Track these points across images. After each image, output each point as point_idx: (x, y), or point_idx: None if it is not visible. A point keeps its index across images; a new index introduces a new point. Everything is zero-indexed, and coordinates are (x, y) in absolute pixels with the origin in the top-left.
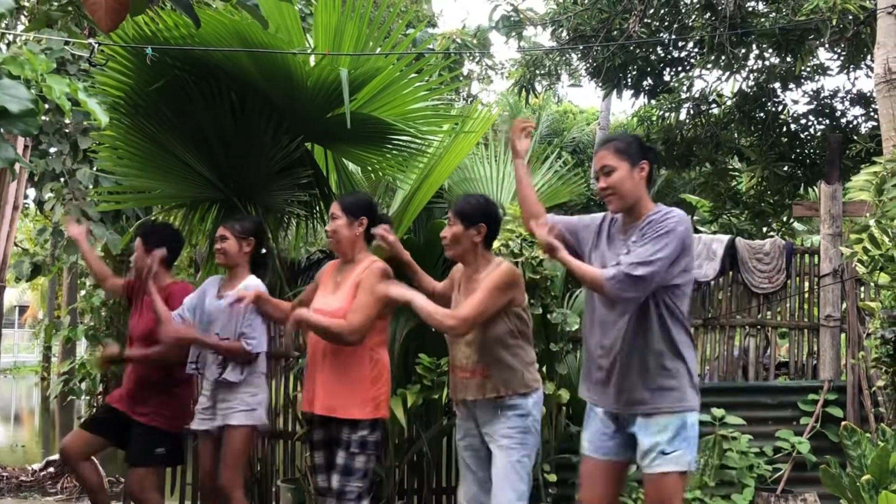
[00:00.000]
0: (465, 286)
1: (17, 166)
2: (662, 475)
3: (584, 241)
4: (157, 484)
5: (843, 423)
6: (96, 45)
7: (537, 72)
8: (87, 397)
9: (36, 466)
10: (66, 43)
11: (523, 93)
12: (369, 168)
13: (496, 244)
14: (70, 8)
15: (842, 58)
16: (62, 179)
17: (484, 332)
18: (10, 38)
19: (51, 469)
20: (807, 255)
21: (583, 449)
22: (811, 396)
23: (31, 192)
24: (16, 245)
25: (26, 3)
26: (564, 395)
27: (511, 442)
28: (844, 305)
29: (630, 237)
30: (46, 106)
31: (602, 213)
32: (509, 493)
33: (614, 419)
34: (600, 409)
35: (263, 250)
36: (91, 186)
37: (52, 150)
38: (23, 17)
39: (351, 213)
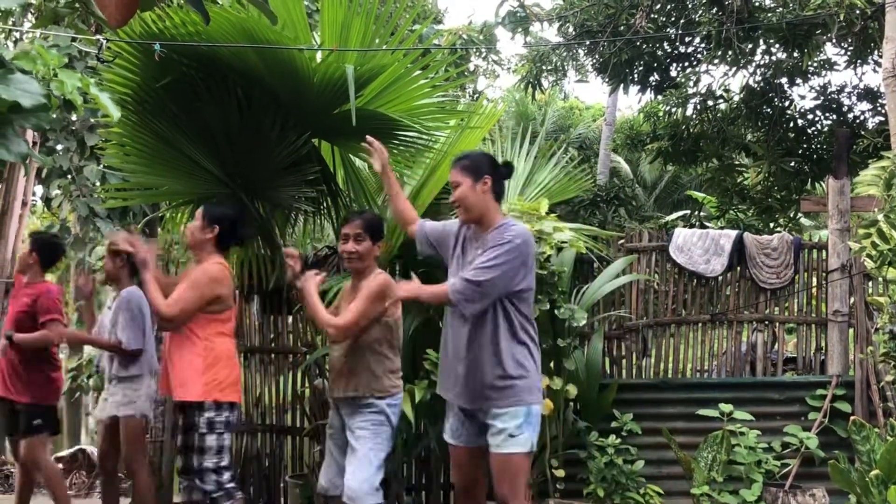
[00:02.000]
0: (348, 295)
1: (29, 161)
2: (510, 454)
3: (446, 246)
4: (44, 450)
5: (851, 418)
6: (104, 42)
7: (543, 67)
8: (95, 393)
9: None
10: (73, 40)
11: (529, 89)
12: None
13: None
14: (77, 5)
15: (849, 53)
16: (69, 176)
17: (355, 338)
18: (17, 35)
19: (59, 465)
20: (815, 251)
21: (446, 438)
22: (819, 392)
23: (39, 189)
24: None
25: (33, 1)
26: (572, 390)
27: (366, 433)
28: (852, 300)
29: (478, 247)
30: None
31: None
32: (358, 476)
33: (470, 413)
34: (457, 405)
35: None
36: (98, 183)
37: (60, 146)
38: (29, 15)
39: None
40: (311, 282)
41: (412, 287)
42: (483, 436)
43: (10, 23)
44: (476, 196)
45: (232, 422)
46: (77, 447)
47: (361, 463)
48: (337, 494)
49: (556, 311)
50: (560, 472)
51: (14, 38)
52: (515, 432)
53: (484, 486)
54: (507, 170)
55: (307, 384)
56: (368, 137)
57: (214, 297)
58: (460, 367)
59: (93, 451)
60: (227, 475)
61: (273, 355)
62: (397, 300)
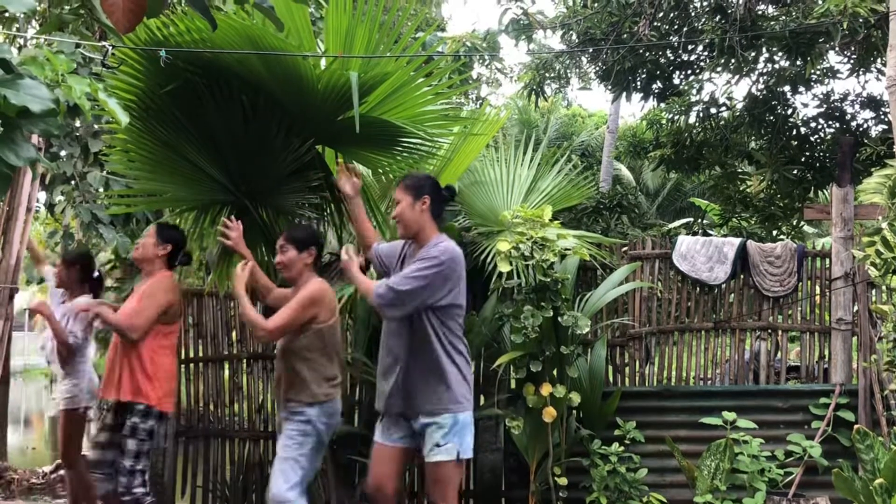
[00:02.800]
0: (286, 302)
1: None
2: (439, 463)
3: (392, 262)
4: None
5: (855, 426)
6: (110, 49)
7: (546, 75)
8: (97, 401)
9: (46, 469)
10: (78, 46)
11: (532, 96)
12: (380, 171)
13: (507, 246)
14: (82, 11)
15: (852, 61)
16: (73, 182)
17: (286, 344)
18: (22, 41)
19: (61, 472)
20: (818, 259)
21: (374, 437)
22: (823, 400)
23: (42, 196)
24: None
25: (38, 7)
26: (575, 398)
27: (291, 442)
28: (856, 309)
29: (413, 262)
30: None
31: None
32: (280, 482)
33: (401, 417)
34: (391, 410)
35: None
36: (102, 189)
37: (63, 153)
38: (34, 21)
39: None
40: (241, 282)
41: (355, 268)
42: (409, 439)
43: (15, 29)
44: (414, 214)
45: (156, 431)
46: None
47: (284, 471)
48: None
49: (559, 319)
50: (563, 480)
51: (18, 45)
52: (442, 442)
53: (395, 485)
54: (449, 192)
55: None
56: (351, 165)
57: (168, 305)
58: (392, 377)
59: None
60: (138, 479)
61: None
62: (333, 307)
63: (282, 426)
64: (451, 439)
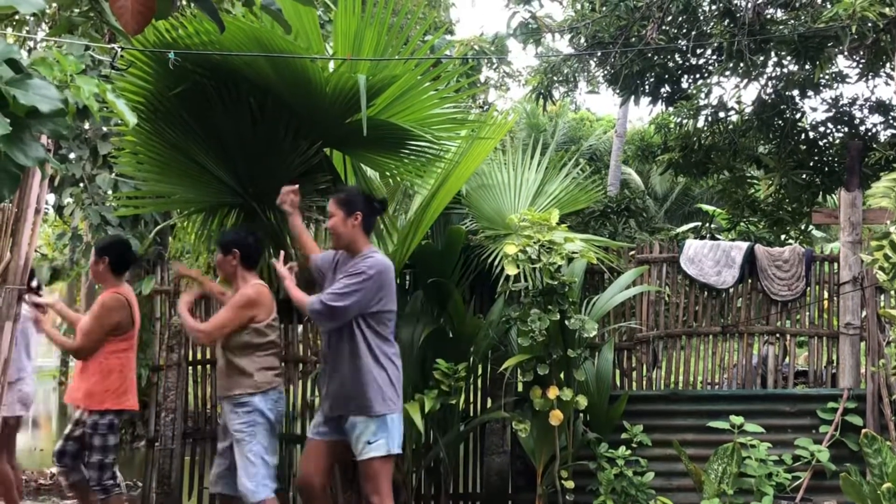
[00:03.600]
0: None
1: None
2: (370, 460)
3: (327, 271)
4: None
5: (863, 431)
6: (119, 51)
7: (554, 79)
8: None
9: (54, 470)
10: (87, 48)
11: (540, 100)
12: (387, 173)
13: (514, 249)
14: (91, 14)
15: (861, 65)
16: (81, 184)
17: (227, 341)
18: (32, 44)
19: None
20: (826, 263)
21: (308, 433)
22: (830, 405)
23: (51, 198)
24: (35, 250)
25: (48, 10)
26: (582, 401)
27: (242, 436)
28: (864, 313)
29: (344, 272)
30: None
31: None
32: (245, 481)
33: (335, 416)
34: (326, 413)
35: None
36: (110, 191)
37: (72, 155)
38: (43, 24)
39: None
40: (184, 298)
41: (289, 281)
42: (337, 434)
43: (25, 31)
44: (346, 228)
45: (115, 425)
46: None
47: (246, 468)
48: (218, 490)
49: (566, 322)
50: (570, 484)
51: (28, 47)
52: (372, 439)
53: (323, 478)
54: (381, 206)
55: (317, 393)
56: (289, 186)
57: (115, 324)
58: (329, 378)
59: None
60: (108, 472)
61: (283, 364)
62: (272, 308)
63: (226, 421)
64: (381, 437)
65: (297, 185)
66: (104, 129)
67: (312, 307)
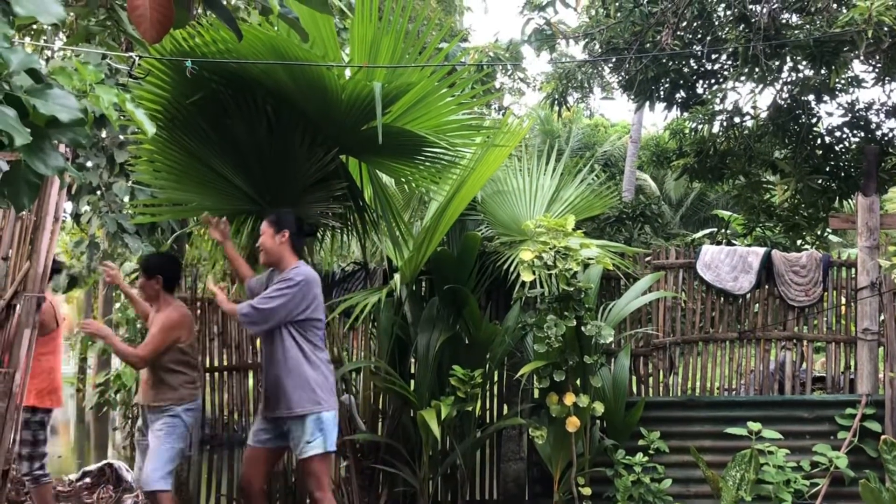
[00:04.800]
0: (152, 321)
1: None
2: (309, 458)
3: (261, 292)
4: None
5: (882, 437)
6: (137, 59)
7: (569, 85)
8: (122, 408)
9: (73, 477)
10: (104, 57)
11: (555, 106)
12: (403, 180)
13: (530, 255)
14: (108, 23)
15: (877, 70)
16: (98, 192)
17: (155, 360)
18: (50, 53)
19: (87, 479)
20: (843, 268)
21: (248, 441)
22: (849, 411)
23: (68, 206)
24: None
25: (67, 19)
26: (599, 407)
27: (161, 433)
28: (882, 318)
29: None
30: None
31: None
32: (149, 468)
33: (272, 421)
34: (264, 414)
35: None
36: (127, 199)
37: (89, 163)
38: (61, 33)
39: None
40: (104, 328)
41: (220, 295)
42: (276, 440)
43: (43, 40)
44: (274, 245)
45: (45, 422)
46: (104, 461)
47: (154, 455)
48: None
49: (582, 328)
50: (587, 491)
51: (46, 56)
52: (310, 438)
53: (261, 482)
54: (309, 229)
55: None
56: (215, 218)
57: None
58: (266, 383)
59: (120, 465)
60: (37, 463)
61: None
62: (191, 327)
63: (149, 423)
64: (318, 436)
65: (223, 217)
66: (121, 137)
67: (242, 311)
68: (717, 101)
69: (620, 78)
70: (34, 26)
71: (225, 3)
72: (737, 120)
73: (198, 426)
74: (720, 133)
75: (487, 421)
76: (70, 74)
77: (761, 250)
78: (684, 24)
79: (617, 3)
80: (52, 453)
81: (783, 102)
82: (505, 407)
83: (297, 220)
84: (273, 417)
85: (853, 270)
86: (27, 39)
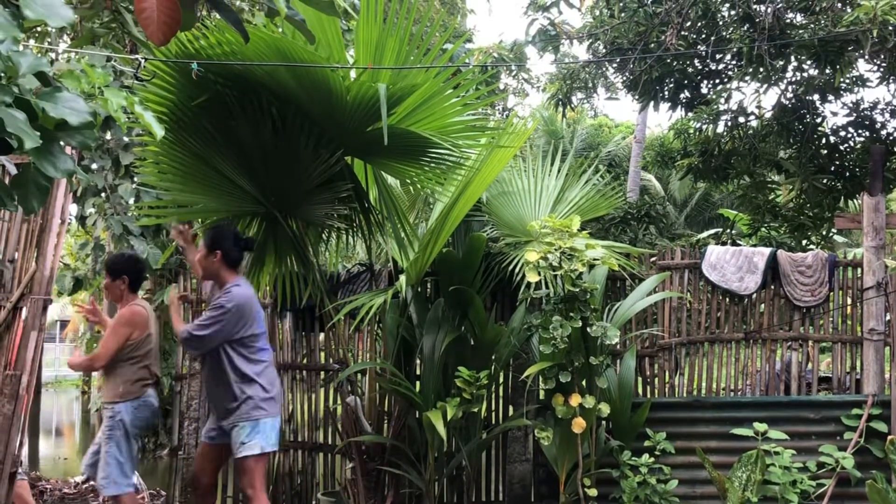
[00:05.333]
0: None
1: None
2: (245, 458)
3: (216, 291)
4: None
5: (888, 437)
6: (143, 61)
7: (573, 85)
8: None
9: (78, 479)
10: (109, 59)
11: (559, 106)
12: (408, 181)
13: (535, 256)
14: (114, 25)
15: (882, 69)
16: (104, 194)
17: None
18: (54, 55)
19: (92, 482)
20: (849, 268)
21: (201, 437)
22: (855, 411)
23: (74, 208)
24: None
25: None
26: (605, 408)
27: (104, 437)
28: (888, 318)
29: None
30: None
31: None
32: (99, 475)
33: (219, 424)
34: (213, 419)
35: None
36: (132, 201)
37: (95, 165)
38: (66, 35)
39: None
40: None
41: (173, 309)
42: (221, 438)
43: (47, 42)
44: (208, 263)
45: None
46: None
47: (103, 463)
48: (88, 474)
49: (588, 329)
50: (593, 492)
51: (51, 58)
52: (246, 440)
53: (211, 476)
54: (245, 244)
55: (339, 401)
56: (180, 226)
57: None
58: (208, 396)
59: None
60: None
61: (305, 372)
62: (146, 326)
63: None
64: (254, 438)
65: (187, 224)
66: (126, 139)
67: (182, 336)
68: (722, 100)
69: (625, 78)
70: (39, 28)
71: (230, 4)
72: (741, 120)
73: (141, 423)
74: (725, 133)
75: (493, 422)
76: (78, 77)
77: (767, 250)
78: (688, 23)
79: (621, 4)
80: (58, 456)
81: (788, 102)
82: (510, 408)
83: (235, 235)
84: (219, 420)
85: (859, 270)
86: (31, 41)
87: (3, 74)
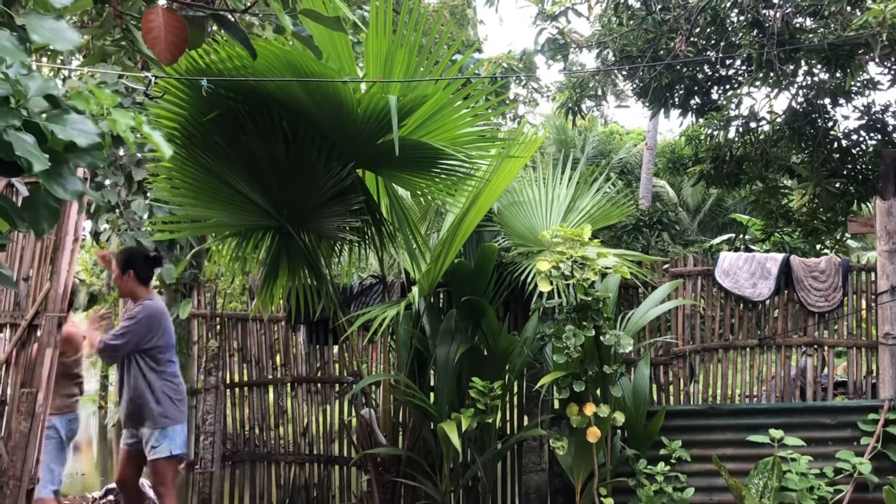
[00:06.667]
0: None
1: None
2: (156, 460)
3: None
4: None
5: None
6: (153, 79)
7: (583, 93)
8: None
9: (96, 494)
10: (120, 77)
11: (569, 115)
12: (419, 193)
13: (547, 265)
14: (124, 42)
15: (893, 72)
16: (117, 210)
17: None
18: (65, 73)
19: (110, 497)
20: (863, 273)
21: (121, 444)
22: (871, 416)
23: (87, 224)
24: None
25: (82, 40)
26: (619, 417)
27: (45, 448)
28: None
29: None
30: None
31: None
32: (41, 483)
33: (133, 430)
34: (126, 424)
35: None
36: (145, 217)
37: (108, 182)
38: (77, 54)
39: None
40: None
41: (94, 324)
42: (138, 444)
43: (59, 61)
44: (122, 282)
45: None
46: None
47: (42, 472)
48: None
49: (601, 338)
50: (609, 501)
51: (62, 77)
52: (156, 444)
53: (134, 478)
54: (154, 261)
55: (354, 413)
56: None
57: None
58: (121, 402)
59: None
60: None
61: (320, 385)
62: (78, 346)
63: None
64: (163, 442)
65: (109, 252)
66: (139, 155)
67: (97, 346)
68: (733, 106)
69: (634, 85)
70: (51, 47)
71: (239, 21)
72: (752, 125)
73: (72, 434)
74: (736, 138)
75: (508, 432)
76: (87, 98)
77: (780, 256)
78: (697, 30)
79: (629, 12)
80: (76, 471)
81: (799, 107)
82: (525, 418)
83: (144, 256)
84: (132, 425)
85: (873, 275)
86: (44, 59)
87: (11, 98)
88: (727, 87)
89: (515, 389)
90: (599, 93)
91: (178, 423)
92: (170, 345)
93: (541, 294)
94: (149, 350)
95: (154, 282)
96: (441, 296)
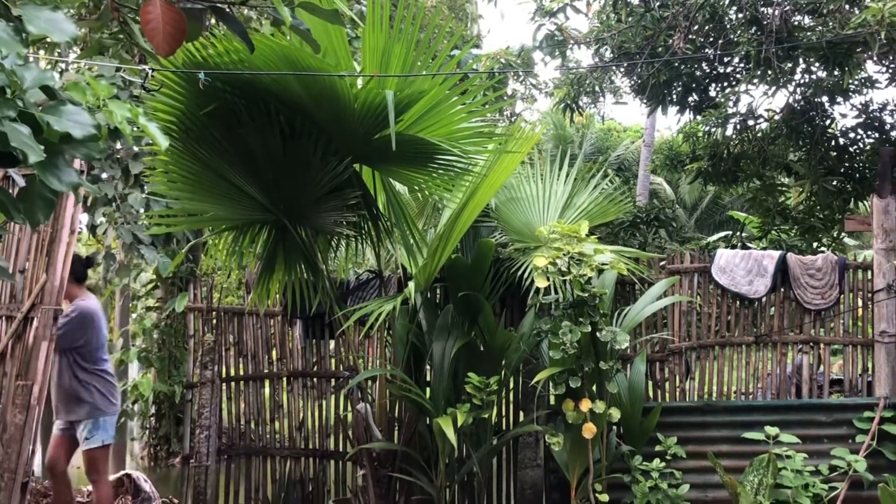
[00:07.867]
0: None
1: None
2: (89, 450)
3: None
4: None
5: None
6: (150, 72)
7: (581, 90)
8: (140, 419)
9: (90, 488)
10: (118, 70)
11: (567, 111)
12: (416, 188)
13: (544, 261)
14: (121, 36)
15: (891, 70)
16: (114, 204)
17: None
18: (63, 66)
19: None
20: (860, 270)
21: (54, 430)
22: (867, 414)
23: (84, 217)
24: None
25: (79, 33)
26: (615, 413)
27: None
28: None
29: None
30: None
31: None
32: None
33: (66, 420)
34: (59, 415)
35: None
36: (142, 210)
37: (104, 175)
38: (74, 46)
39: None
40: None
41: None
42: (69, 430)
43: (56, 53)
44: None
45: None
46: (122, 472)
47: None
48: None
49: (597, 334)
50: (604, 497)
51: (60, 69)
52: (89, 435)
53: (64, 463)
54: (87, 262)
55: (350, 408)
56: None
57: None
58: (57, 394)
59: (138, 475)
60: None
61: (315, 379)
62: None
63: None
64: (96, 433)
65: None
66: (135, 148)
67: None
68: (731, 104)
69: (632, 82)
70: (48, 40)
71: (237, 14)
72: (750, 122)
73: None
74: (734, 136)
75: (504, 428)
76: (83, 89)
77: (776, 253)
78: (696, 27)
79: (628, 8)
80: (71, 464)
81: (796, 104)
82: (521, 414)
83: (76, 255)
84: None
85: (869, 273)
86: (41, 52)
87: (7, 89)
88: (725, 84)
89: (511, 385)
90: (597, 89)
91: (110, 413)
92: (101, 344)
93: (537, 290)
94: (80, 348)
95: (150, 275)
96: (438, 291)
